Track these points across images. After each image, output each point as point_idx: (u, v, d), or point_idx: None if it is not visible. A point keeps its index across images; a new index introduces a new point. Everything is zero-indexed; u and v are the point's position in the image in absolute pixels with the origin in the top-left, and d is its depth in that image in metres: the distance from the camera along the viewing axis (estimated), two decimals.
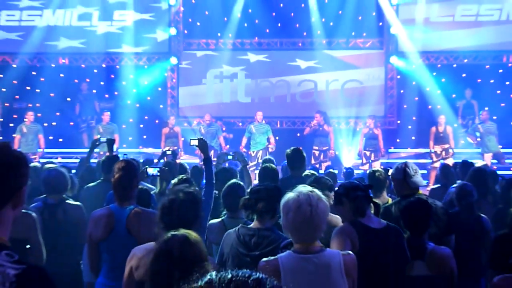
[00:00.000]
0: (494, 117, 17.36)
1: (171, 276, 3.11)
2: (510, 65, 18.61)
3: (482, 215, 7.21)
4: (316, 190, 3.95)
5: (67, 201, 6.73)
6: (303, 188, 3.95)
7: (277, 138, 17.06)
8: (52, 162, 10.15)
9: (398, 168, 6.40)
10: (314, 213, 3.80)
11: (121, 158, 7.40)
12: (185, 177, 6.92)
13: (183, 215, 4.15)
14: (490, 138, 16.75)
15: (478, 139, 16.95)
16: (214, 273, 1.43)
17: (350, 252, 4.03)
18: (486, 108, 17.30)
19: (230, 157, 9.03)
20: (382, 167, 11.29)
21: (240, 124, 18.43)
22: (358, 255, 4.27)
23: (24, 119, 17.27)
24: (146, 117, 18.94)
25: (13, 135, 17.18)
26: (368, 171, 8.86)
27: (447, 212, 6.28)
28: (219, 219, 5.86)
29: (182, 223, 4.05)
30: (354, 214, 4.76)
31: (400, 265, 4.72)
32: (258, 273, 1.48)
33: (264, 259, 4.01)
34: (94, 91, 18.69)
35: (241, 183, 6.25)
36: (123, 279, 4.32)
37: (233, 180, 6.24)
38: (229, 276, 1.44)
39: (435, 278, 5.03)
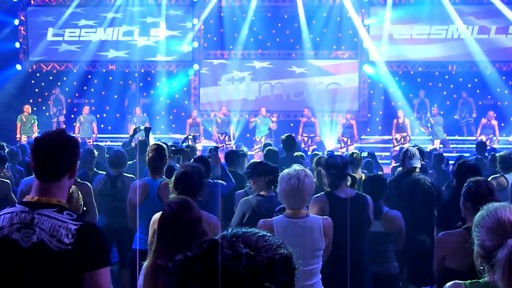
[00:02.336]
0: (441, 112, 17.31)
1: (176, 235, 3.04)
2: (454, 72, 18.48)
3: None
4: (306, 169, 3.95)
5: (124, 173, 6.75)
6: (297, 167, 3.96)
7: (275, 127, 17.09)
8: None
9: (401, 152, 6.38)
10: (301, 185, 3.79)
11: (153, 142, 7.40)
12: (203, 156, 6.92)
13: (190, 183, 4.12)
14: (438, 128, 16.76)
15: (429, 129, 16.95)
16: (229, 229, 1.37)
17: (328, 218, 4.00)
18: (436, 105, 17.28)
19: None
20: (356, 150, 11.26)
21: (247, 116, 18.33)
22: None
23: (82, 112, 17.36)
24: (174, 111, 18.86)
25: (74, 124, 17.25)
26: (347, 153, 8.83)
27: (433, 185, 5.95)
28: (243, 190, 5.83)
29: (191, 189, 4.06)
30: (329, 187, 4.76)
31: (362, 226, 4.67)
32: (263, 231, 1.40)
33: (262, 220, 4.01)
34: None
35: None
36: (148, 240, 4.17)
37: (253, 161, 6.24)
38: (240, 232, 1.36)
39: (388, 234, 5.03)
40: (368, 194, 5.05)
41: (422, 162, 7.30)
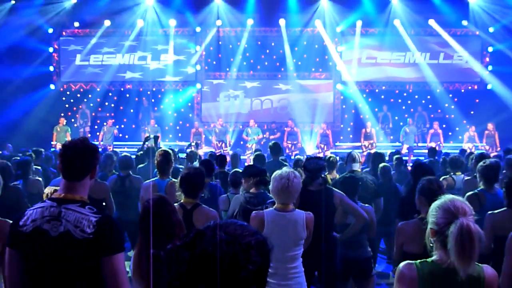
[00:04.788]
0: (401, 123, 17.38)
1: (155, 226, 2.96)
2: (410, 91, 18.63)
3: (397, 184, 7.19)
4: (295, 171, 3.94)
5: (132, 174, 6.72)
6: (287, 169, 3.95)
7: (265, 135, 17.02)
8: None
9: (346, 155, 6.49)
10: (290, 184, 3.78)
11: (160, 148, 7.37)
12: (207, 159, 6.88)
13: (194, 183, 4.08)
14: (411, 137, 16.73)
15: (405, 137, 16.73)
16: (212, 221, 1.36)
17: (310, 213, 3.98)
18: (406, 115, 17.29)
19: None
20: (332, 154, 11.23)
21: (241, 126, 18.30)
22: (299, 206, 4.27)
23: (104, 123, 17.28)
24: (180, 122, 18.83)
25: (97, 133, 17.20)
26: (324, 157, 8.80)
27: (374, 182, 6.20)
28: (225, 195, 5.77)
29: (194, 188, 4.02)
30: (303, 184, 4.73)
31: (328, 213, 4.62)
32: (243, 222, 1.38)
33: (254, 211, 4.00)
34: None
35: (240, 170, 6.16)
36: None
37: (235, 169, 6.22)
38: (222, 223, 1.34)
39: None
40: (344, 191, 5.05)
41: (385, 164, 7.32)
